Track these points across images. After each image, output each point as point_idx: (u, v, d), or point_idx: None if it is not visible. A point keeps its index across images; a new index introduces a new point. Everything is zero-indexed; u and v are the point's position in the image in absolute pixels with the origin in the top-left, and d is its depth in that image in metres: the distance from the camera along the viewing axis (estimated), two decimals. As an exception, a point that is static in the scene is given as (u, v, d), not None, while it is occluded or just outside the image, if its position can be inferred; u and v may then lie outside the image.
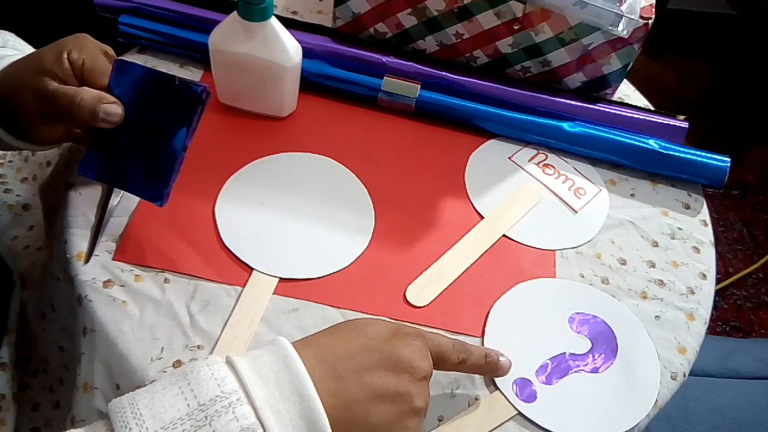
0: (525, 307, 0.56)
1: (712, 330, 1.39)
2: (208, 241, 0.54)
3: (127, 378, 0.47)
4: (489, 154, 0.67)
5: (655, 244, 0.63)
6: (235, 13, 0.55)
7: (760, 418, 0.75)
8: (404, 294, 0.54)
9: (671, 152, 0.66)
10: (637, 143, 0.66)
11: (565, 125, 0.67)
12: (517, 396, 0.50)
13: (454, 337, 0.52)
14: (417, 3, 0.65)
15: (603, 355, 0.54)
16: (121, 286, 0.50)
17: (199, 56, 0.66)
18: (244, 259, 0.53)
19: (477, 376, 0.51)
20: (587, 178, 0.67)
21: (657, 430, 0.70)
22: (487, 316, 0.54)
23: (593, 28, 0.64)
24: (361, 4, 0.67)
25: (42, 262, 0.61)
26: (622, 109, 0.69)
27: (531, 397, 0.50)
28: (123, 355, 0.47)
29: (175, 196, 0.50)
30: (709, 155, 0.67)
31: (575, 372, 0.53)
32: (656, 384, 0.53)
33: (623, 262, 0.61)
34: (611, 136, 0.67)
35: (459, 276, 0.56)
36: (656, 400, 0.52)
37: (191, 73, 0.67)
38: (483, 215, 0.61)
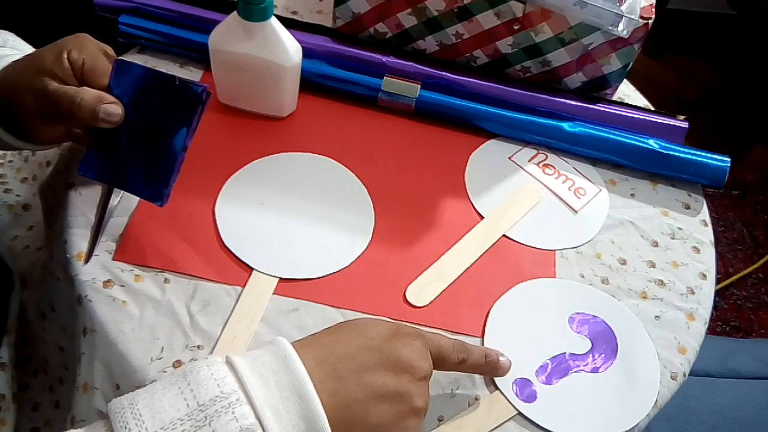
0: (525, 307, 0.56)
1: (712, 330, 1.39)
2: (208, 241, 0.54)
3: (127, 378, 0.47)
4: (489, 154, 0.67)
5: (655, 244, 0.63)
6: (235, 13, 0.55)
7: (760, 418, 0.75)
8: (404, 294, 0.54)
9: (671, 152, 0.66)
10: (637, 143, 0.66)
11: (565, 125, 0.67)
12: (517, 396, 0.50)
13: (454, 337, 0.53)
14: (417, 3, 0.65)
15: (603, 355, 0.54)
16: (121, 286, 0.50)
17: (199, 56, 0.66)
18: (244, 259, 0.53)
19: (477, 376, 0.51)
20: (587, 178, 0.67)
21: (657, 430, 0.70)
22: (487, 316, 0.54)
23: (593, 28, 0.64)
24: (361, 4, 0.67)
25: (42, 262, 0.61)
26: (622, 109, 0.69)
27: (531, 397, 0.50)
28: (123, 355, 0.47)
29: (175, 196, 0.50)
30: (709, 155, 0.67)
31: (575, 372, 0.53)
32: (656, 384, 0.53)
33: (623, 262, 0.61)
34: (611, 136, 0.67)
35: (459, 276, 0.56)
36: (656, 400, 0.52)
37: (191, 73, 0.67)
38: (483, 215, 0.61)
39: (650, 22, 0.63)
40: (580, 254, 0.60)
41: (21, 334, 0.60)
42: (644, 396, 0.52)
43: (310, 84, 0.66)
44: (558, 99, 0.68)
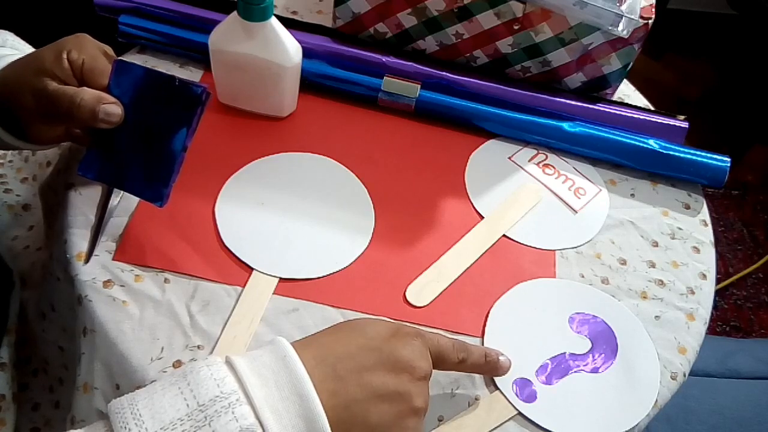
0: (525, 307, 0.56)
1: (712, 330, 1.39)
2: (208, 241, 0.54)
3: (127, 378, 0.47)
4: (489, 154, 0.67)
5: (655, 244, 0.63)
6: (235, 13, 0.55)
7: (760, 418, 0.75)
8: (404, 294, 0.54)
9: (671, 152, 0.66)
10: (637, 143, 0.66)
11: (565, 125, 0.67)
12: (517, 396, 0.50)
13: (454, 337, 0.53)
14: (417, 3, 0.65)
15: (603, 355, 0.54)
16: (121, 286, 0.50)
17: (199, 56, 0.66)
18: (244, 259, 0.53)
19: (477, 375, 0.51)
20: (587, 178, 0.67)
21: (657, 430, 0.70)
22: (487, 316, 0.54)
23: (593, 28, 0.64)
24: (361, 4, 0.67)
25: (42, 262, 0.61)
26: (622, 109, 0.69)
27: (531, 397, 0.50)
28: (123, 355, 0.47)
29: (175, 196, 0.50)
30: (709, 155, 0.67)
31: (575, 372, 0.53)
32: (656, 384, 0.53)
33: (623, 262, 0.61)
34: (611, 136, 0.67)
35: (459, 276, 0.56)
36: (656, 400, 0.52)
37: (191, 73, 0.67)
38: (483, 215, 0.61)
39: (650, 22, 0.63)
40: (580, 254, 0.60)
41: (21, 334, 0.60)
42: (644, 396, 0.52)
43: (310, 84, 0.66)
44: (558, 99, 0.68)
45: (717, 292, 1.42)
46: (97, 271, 0.50)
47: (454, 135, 0.68)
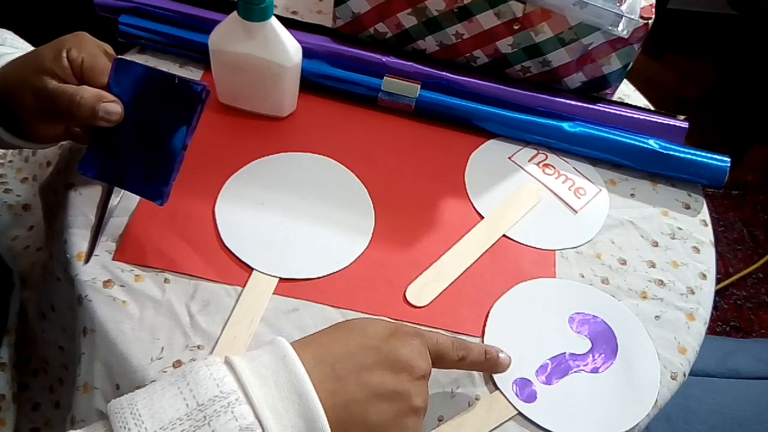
0: (525, 307, 0.56)
1: (712, 330, 1.39)
2: (208, 241, 0.54)
3: (127, 378, 0.47)
4: (489, 154, 0.67)
5: (655, 244, 0.63)
6: (235, 13, 0.55)
7: (760, 418, 0.75)
8: (404, 294, 0.54)
9: (671, 152, 0.66)
10: (637, 143, 0.66)
11: (565, 125, 0.67)
12: (517, 396, 0.50)
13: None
14: (417, 3, 0.65)
15: (603, 355, 0.54)
16: (121, 286, 0.50)
17: (199, 56, 0.66)
18: (244, 259, 0.53)
19: (477, 375, 0.51)
20: (587, 178, 0.67)
21: (657, 430, 0.70)
22: (487, 316, 0.54)
23: (593, 28, 0.64)
24: (361, 4, 0.67)
25: (42, 262, 0.61)
26: (622, 109, 0.69)
27: (531, 397, 0.50)
28: (123, 355, 0.47)
29: (175, 196, 0.50)
30: (709, 155, 0.67)
31: (575, 372, 0.53)
32: (656, 384, 0.53)
33: (623, 262, 0.61)
34: (611, 136, 0.67)
35: (459, 276, 0.56)
36: (656, 400, 0.52)
37: (191, 73, 0.67)
38: (483, 215, 0.61)
39: (650, 22, 0.63)
40: (580, 254, 0.60)
41: (21, 334, 0.60)
42: (644, 396, 0.52)
43: (310, 84, 0.66)
44: (558, 99, 0.68)
45: (717, 292, 1.42)
46: (97, 271, 0.50)
47: (454, 135, 0.68)
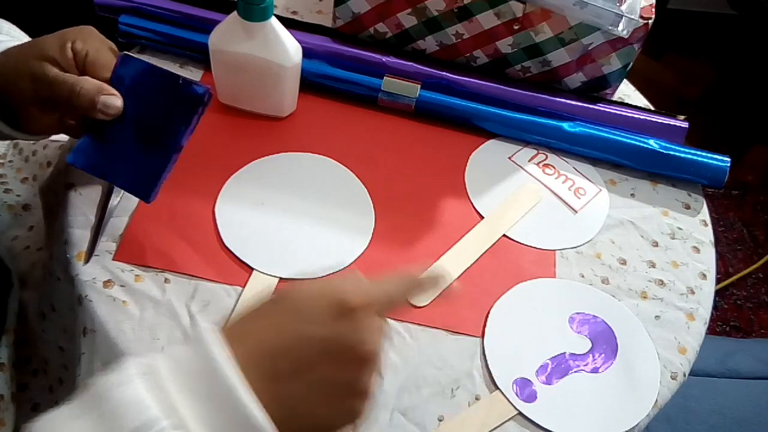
0: (525, 307, 0.56)
1: (712, 330, 1.39)
2: (208, 241, 0.54)
3: (127, 378, 0.47)
4: (489, 154, 0.67)
5: (655, 244, 0.63)
6: (235, 13, 0.55)
7: (760, 418, 0.75)
8: (404, 294, 0.54)
9: (671, 152, 0.66)
10: (637, 143, 0.66)
11: (565, 125, 0.67)
12: (517, 396, 0.50)
13: (454, 337, 0.53)
14: (417, 3, 0.65)
15: (603, 355, 0.54)
16: (121, 286, 0.50)
17: (199, 56, 0.66)
18: (244, 259, 0.53)
19: (477, 375, 0.51)
20: (587, 178, 0.67)
21: (657, 430, 0.70)
22: (487, 316, 0.54)
23: (593, 28, 0.64)
24: (361, 4, 0.67)
25: (42, 263, 0.61)
26: (622, 109, 0.69)
27: (531, 397, 0.50)
28: (123, 355, 0.47)
29: (175, 196, 0.50)
30: (709, 155, 0.67)
31: (575, 372, 0.53)
32: (656, 384, 0.53)
33: (623, 262, 0.61)
34: (611, 136, 0.67)
35: (459, 276, 0.56)
36: (656, 400, 0.52)
37: (191, 73, 0.67)
38: (483, 215, 0.61)
39: (650, 22, 0.63)
40: (580, 254, 0.60)
41: (21, 334, 0.60)
42: (644, 396, 0.52)
43: (310, 84, 0.66)
44: (558, 99, 0.68)
45: (717, 292, 1.42)
46: (97, 271, 0.50)
47: (454, 135, 0.68)
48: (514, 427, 0.49)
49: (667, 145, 0.66)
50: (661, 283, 0.60)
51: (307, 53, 0.62)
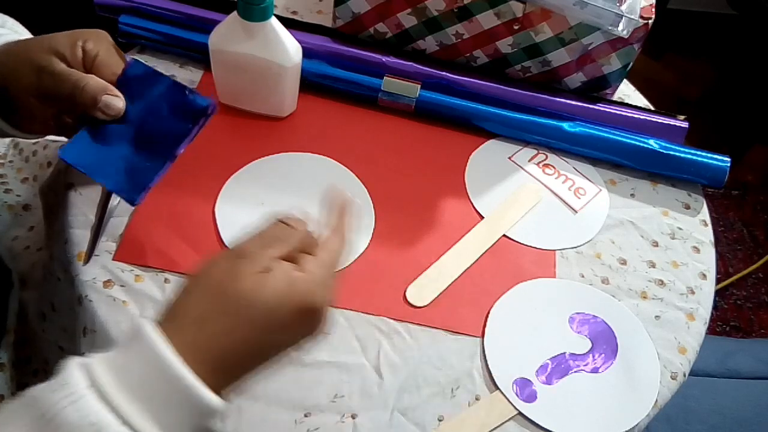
0: (525, 307, 0.56)
1: (712, 330, 1.39)
2: (208, 241, 0.54)
3: (127, 378, 0.47)
4: (489, 154, 0.67)
5: (655, 244, 0.63)
6: (235, 13, 0.55)
7: (760, 418, 0.75)
8: (404, 294, 0.54)
9: (671, 152, 0.66)
10: (637, 143, 0.66)
11: (565, 125, 0.67)
12: (517, 396, 0.50)
13: (454, 337, 0.53)
14: (417, 3, 0.65)
15: (603, 355, 0.54)
16: (122, 286, 0.50)
17: (199, 56, 0.66)
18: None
19: (477, 375, 0.51)
20: (587, 178, 0.67)
21: (657, 430, 0.70)
22: (487, 316, 0.54)
23: (593, 28, 0.64)
24: (361, 4, 0.67)
25: (42, 263, 0.61)
26: (622, 109, 0.69)
27: (531, 397, 0.50)
28: (123, 355, 0.47)
29: (175, 196, 0.50)
30: (709, 155, 0.67)
31: (575, 372, 0.53)
32: (656, 384, 0.53)
33: (623, 262, 0.61)
34: (611, 136, 0.67)
35: (459, 276, 0.56)
36: (656, 400, 0.52)
37: (191, 73, 0.67)
38: (483, 215, 0.61)
39: (650, 22, 0.63)
40: (580, 254, 0.60)
41: (21, 334, 0.60)
42: (644, 396, 0.52)
43: (310, 84, 0.66)
44: (558, 99, 0.68)
45: (717, 292, 1.42)
46: (97, 271, 0.50)
47: (454, 135, 0.68)
48: (514, 427, 0.49)
49: (667, 145, 0.66)
50: (661, 283, 0.60)
51: (307, 53, 0.62)
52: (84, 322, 0.49)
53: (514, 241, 0.60)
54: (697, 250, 0.63)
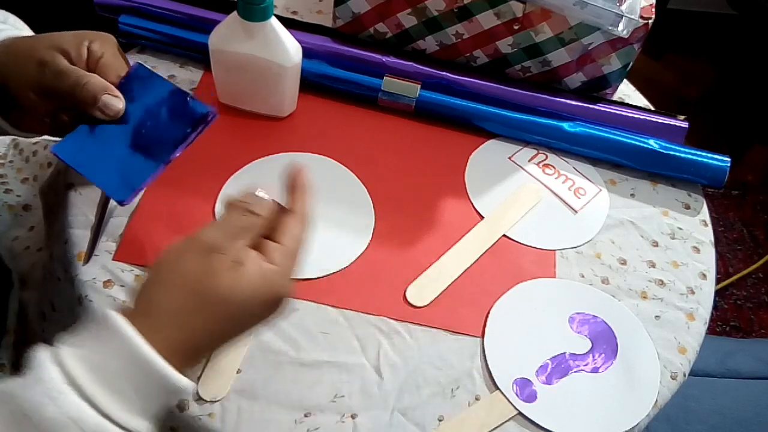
0: (525, 307, 0.56)
1: (712, 330, 1.39)
2: (208, 241, 0.54)
3: (127, 378, 0.47)
4: (489, 154, 0.67)
5: (655, 244, 0.63)
6: (235, 13, 0.55)
7: (760, 418, 0.75)
8: (404, 294, 0.54)
9: (671, 152, 0.66)
10: (637, 143, 0.66)
11: (565, 125, 0.67)
12: (517, 396, 0.50)
13: (454, 337, 0.53)
14: (417, 3, 0.65)
15: (603, 355, 0.54)
16: (121, 286, 0.50)
17: (199, 56, 0.66)
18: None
19: (477, 375, 0.51)
20: (587, 178, 0.67)
21: (657, 430, 0.70)
22: (487, 316, 0.54)
23: (593, 28, 0.64)
24: (361, 4, 0.67)
25: (42, 263, 0.61)
26: (622, 109, 0.69)
27: (531, 397, 0.50)
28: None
29: (175, 196, 0.50)
30: (709, 155, 0.67)
31: (575, 372, 0.53)
32: (656, 384, 0.53)
33: (623, 262, 0.61)
34: (611, 136, 0.67)
35: (459, 276, 0.56)
36: (656, 400, 0.52)
37: (191, 73, 0.67)
38: (483, 215, 0.61)
39: (650, 22, 0.63)
40: (580, 254, 0.60)
41: (21, 334, 0.60)
42: (644, 396, 0.52)
43: (310, 84, 0.66)
44: (558, 99, 0.68)
45: (717, 292, 1.42)
46: (97, 271, 0.50)
47: (454, 135, 0.68)
48: (514, 427, 0.49)
49: (667, 145, 0.66)
50: (661, 283, 0.60)
51: (307, 53, 0.62)
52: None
53: (514, 241, 0.60)
54: (697, 250, 0.63)
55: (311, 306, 0.52)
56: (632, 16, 0.62)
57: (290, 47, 0.58)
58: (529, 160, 0.67)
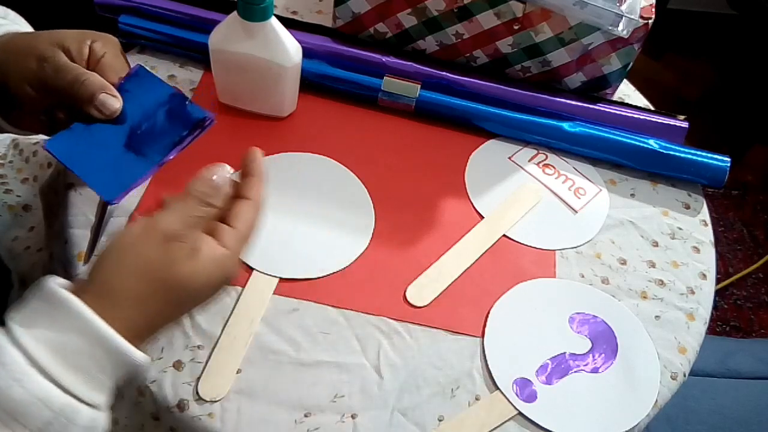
0: (525, 307, 0.56)
1: (712, 330, 1.39)
2: (208, 241, 0.54)
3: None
4: (489, 154, 0.67)
5: (655, 244, 0.63)
6: (235, 13, 0.55)
7: (760, 418, 0.75)
8: (404, 294, 0.54)
9: (671, 152, 0.66)
10: (637, 143, 0.66)
11: (565, 125, 0.67)
12: (518, 396, 0.50)
13: (454, 337, 0.53)
14: (417, 3, 0.65)
15: (603, 355, 0.54)
16: (121, 286, 0.50)
17: (199, 56, 0.66)
18: (244, 259, 0.53)
19: (477, 375, 0.51)
20: (587, 178, 0.67)
21: (657, 430, 0.70)
22: (487, 316, 0.54)
23: (593, 28, 0.64)
24: (361, 4, 0.67)
25: (42, 263, 0.61)
26: (622, 109, 0.69)
27: (531, 397, 0.50)
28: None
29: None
30: (709, 155, 0.67)
31: (575, 372, 0.53)
32: (656, 384, 0.53)
33: (623, 262, 0.61)
34: (611, 136, 0.67)
35: (459, 276, 0.56)
36: (656, 400, 0.52)
37: (191, 73, 0.67)
38: (483, 215, 0.61)
39: (650, 22, 0.63)
40: (580, 254, 0.60)
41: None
42: (644, 396, 0.52)
43: (310, 84, 0.66)
44: (558, 99, 0.68)
45: (717, 292, 1.42)
46: (97, 271, 0.50)
47: (454, 135, 0.68)
48: (514, 427, 0.49)
49: (667, 145, 0.66)
50: (661, 283, 0.60)
51: (307, 53, 0.62)
52: (84, 322, 0.49)
53: (514, 241, 0.60)
54: (697, 250, 0.63)
55: (311, 306, 0.52)
56: (632, 16, 0.62)
57: (290, 47, 0.58)
58: (529, 160, 0.67)
